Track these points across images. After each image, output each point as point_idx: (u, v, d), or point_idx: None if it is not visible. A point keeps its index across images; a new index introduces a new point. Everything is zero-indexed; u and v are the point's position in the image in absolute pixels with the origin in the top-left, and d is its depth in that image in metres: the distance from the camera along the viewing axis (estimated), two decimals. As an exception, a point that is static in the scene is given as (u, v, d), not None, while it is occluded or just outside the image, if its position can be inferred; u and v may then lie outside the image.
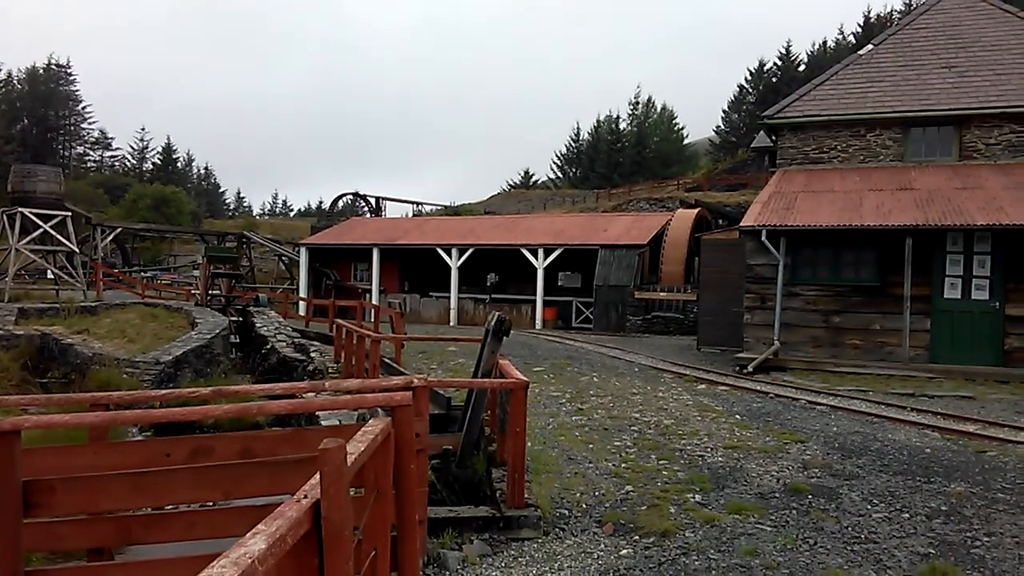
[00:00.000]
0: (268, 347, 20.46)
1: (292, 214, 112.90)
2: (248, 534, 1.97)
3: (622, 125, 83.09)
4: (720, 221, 35.62)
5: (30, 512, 4.41)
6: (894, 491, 7.07)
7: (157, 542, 4.98)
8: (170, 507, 5.05)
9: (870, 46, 19.89)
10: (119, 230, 43.99)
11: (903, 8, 65.49)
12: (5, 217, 26.81)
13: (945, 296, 15.14)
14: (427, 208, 64.49)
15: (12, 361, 17.13)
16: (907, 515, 6.44)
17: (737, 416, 10.67)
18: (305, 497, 2.39)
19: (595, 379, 14.35)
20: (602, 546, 5.90)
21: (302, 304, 31.94)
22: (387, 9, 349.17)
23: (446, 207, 64.20)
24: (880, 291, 15.49)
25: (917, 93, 17.65)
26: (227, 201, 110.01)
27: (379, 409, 6.22)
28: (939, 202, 15.21)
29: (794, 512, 6.54)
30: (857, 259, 15.78)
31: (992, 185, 15.58)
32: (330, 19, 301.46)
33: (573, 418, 10.53)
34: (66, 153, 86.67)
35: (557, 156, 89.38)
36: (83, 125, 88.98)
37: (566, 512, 6.59)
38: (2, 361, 16.92)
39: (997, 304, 14.75)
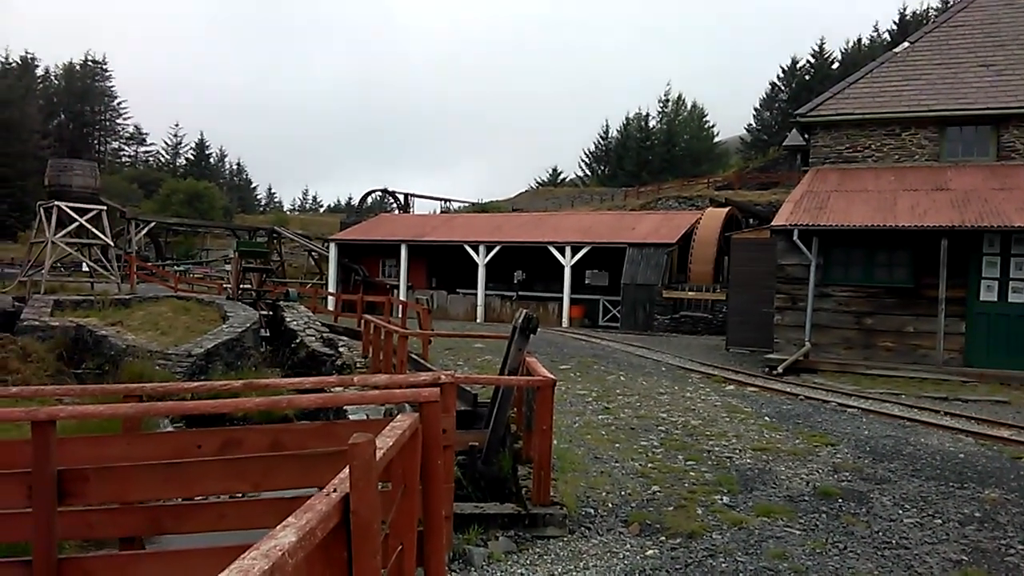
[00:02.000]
0: (297, 341, 20.66)
1: (322, 210, 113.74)
2: (278, 527, 1.99)
3: (652, 123, 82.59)
4: (751, 220, 35.25)
5: (64, 500, 4.49)
6: (926, 496, 6.96)
7: (187, 532, 5.05)
8: (200, 498, 5.11)
9: (906, 44, 19.55)
10: (153, 224, 44.68)
11: (940, 6, 64.32)
12: (42, 210, 27.35)
13: (981, 298, 14.86)
14: (455, 205, 64.62)
15: (48, 352, 17.45)
16: (939, 521, 6.34)
17: (766, 418, 10.57)
18: (335, 491, 2.40)
19: (622, 378, 14.29)
20: (628, 546, 5.88)
21: (331, 299, 32.19)
22: (422, 5, 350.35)
23: (474, 204, 64.30)
24: (914, 293, 15.24)
25: (954, 92, 17.33)
26: (258, 197, 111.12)
27: (407, 405, 6.25)
28: (976, 203, 14.93)
29: (824, 516, 6.46)
30: (890, 260, 15.54)
31: (1031, 186, 15.26)
32: (365, 16, 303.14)
33: (599, 417, 10.50)
34: (101, 148, 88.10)
35: (585, 154, 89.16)
36: (118, 121, 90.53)
37: (592, 511, 6.57)
38: (38, 352, 17.23)
39: (1035, 307, 14.45)
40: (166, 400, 5.77)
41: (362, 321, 20.64)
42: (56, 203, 26.62)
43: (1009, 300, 14.67)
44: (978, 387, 13.55)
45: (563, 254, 30.22)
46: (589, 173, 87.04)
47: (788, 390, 13.05)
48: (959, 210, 14.74)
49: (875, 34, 72.90)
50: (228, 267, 35.76)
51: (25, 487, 4.45)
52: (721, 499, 6.86)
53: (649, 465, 7.96)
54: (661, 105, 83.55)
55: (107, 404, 5.68)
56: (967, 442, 9.29)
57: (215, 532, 4.90)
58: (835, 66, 69.42)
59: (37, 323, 18.80)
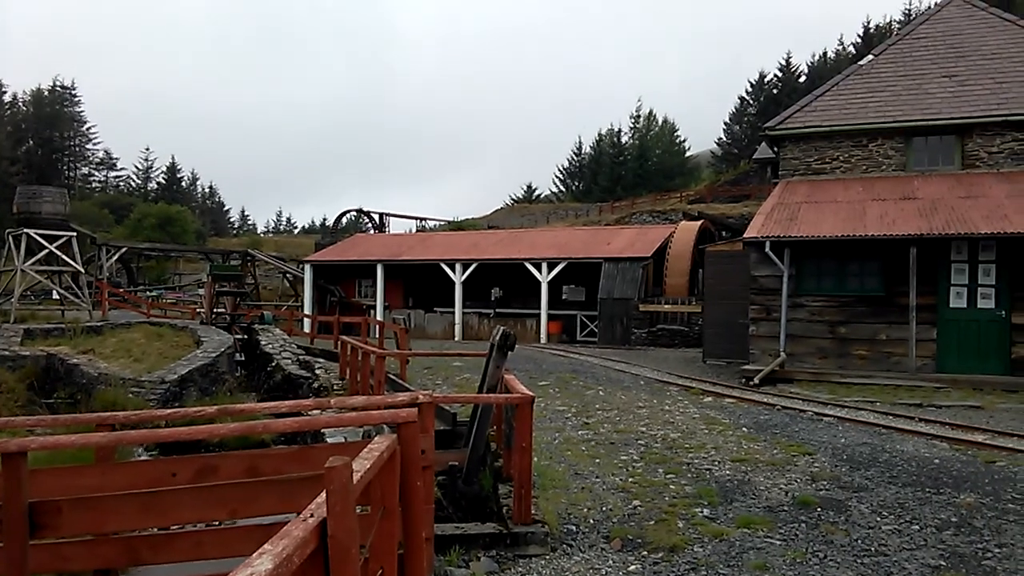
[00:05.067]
0: (273, 365, 20.46)
1: (296, 231, 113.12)
2: (255, 554, 1.97)
3: (624, 138, 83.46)
4: (723, 233, 35.63)
5: (37, 533, 4.40)
6: (903, 503, 7.03)
7: (164, 562, 4.98)
8: (176, 527, 5.05)
9: (870, 56, 19.94)
10: (124, 249, 44.17)
11: (902, 18, 65.76)
12: (11, 238, 26.98)
13: (951, 305, 15.10)
14: (430, 224, 64.67)
15: (18, 382, 17.15)
16: (917, 527, 6.40)
17: (744, 429, 10.63)
18: (312, 516, 2.38)
19: (601, 393, 14.31)
20: (610, 562, 5.87)
21: (307, 321, 31.96)
22: (394, 30, 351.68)
23: (449, 222, 64.40)
24: (885, 301, 15.45)
25: (918, 102, 17.67)
26: (231, 219, 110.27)
27: (385, 426, 6.20)
28: (943, 211, 15.20)
29: (803, 525, 6.50)
30: (862, 269, 15.75)
31: (995, 193, 15.57)
32: (335, 38, 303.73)
33: (579, 432, 10.50)
34: (71, 174, 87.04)
35: (559, 170, 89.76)
36: (88, 146, 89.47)
37: (573, 528, 6.56)
38: (8, 382, 16.93)
39: (1003, 312, 14.70)
40: (140, 428, 5.69)
41: (339, 342, 20.51)
42: (25, 230, 26.28)
43: (978, 306, 14.91)
44: (951, 393, 13.73)
45: (539, 270, 30.29)
46: (563, 189, 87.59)
47: (765, 400, 13.14)
48: (927, 218, 14.99)
49: (840, 47, 74.31)
50: (201, 291, 35.41)
51: (-5, 521, 4.36)
52: (702, 511, 6.88)
53: (630, 480, 7.96)
54: (633, 121, 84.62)
55: (79, 434, 5.58)
56: (942, 447, 9.40)
57: (192, 561, 4.83)
58: (802, 79, 70.66)
59: (7, 353, 18.49)
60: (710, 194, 56.79)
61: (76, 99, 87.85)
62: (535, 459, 7.32)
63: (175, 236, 58.82)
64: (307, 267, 36.98)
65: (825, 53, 74.97)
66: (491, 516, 6.85)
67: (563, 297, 32.11)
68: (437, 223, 64.96)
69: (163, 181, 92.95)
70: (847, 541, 6.10)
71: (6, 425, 7.23)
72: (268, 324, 26.32)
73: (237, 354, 22.20)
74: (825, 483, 7.72)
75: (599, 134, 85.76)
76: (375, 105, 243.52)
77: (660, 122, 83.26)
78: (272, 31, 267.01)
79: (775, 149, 19.22)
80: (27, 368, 17.80)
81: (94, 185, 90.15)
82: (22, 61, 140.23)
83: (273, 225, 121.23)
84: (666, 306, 28.01)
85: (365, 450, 3.25)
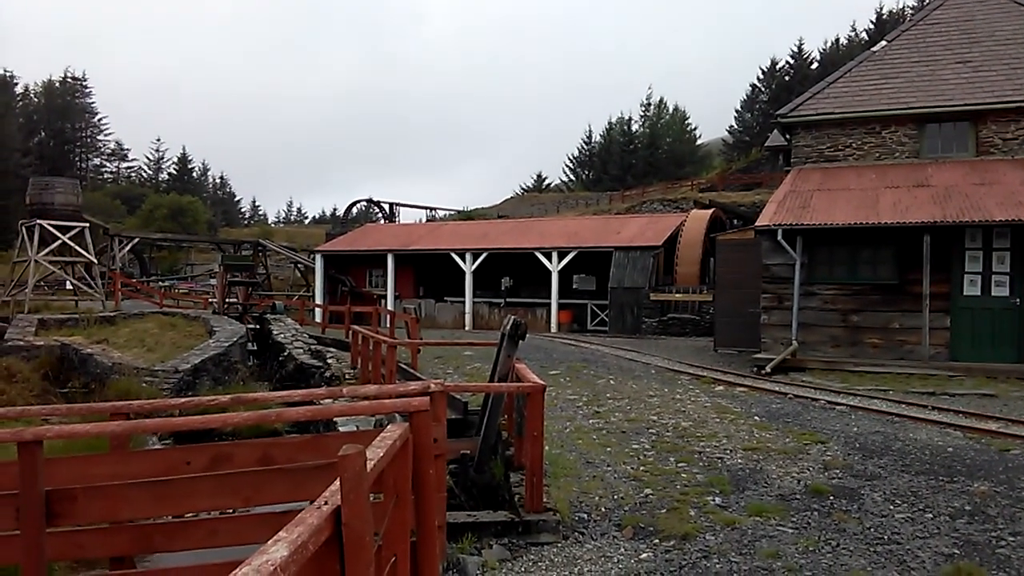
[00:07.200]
0: (285, 354, 20.57)
1: (307, 221, 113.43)
2: (270, 541, 1.98)
3: (634, 126, 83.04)
4: (735, 221, 35.46)
5: (53, 521, 4.45)
6: (917, 491, 7.00)
7: (178, 550, 5.02)
8: (191, 515, 5.08)
9: (883, 42, 19.74)
10: (136, 240, 44.42)
11: (916, 4, 65.03)
12: (24, 229, 27.17)
13: (965, 293, 14.99)
14: (441, 213, 64.71)
15: (33, 372, 17.30)
16: (930, 515, 6.37)
17: (756, 417, 10.60)
18: (326, 503, 2.39)
19: (612, 382, 14.30)
20: (622, 550, 5.87)
21: (318, 311, 32.07)
22: (406, 19, 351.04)
23: (460, 212, 64.38)
24: (899, 289, 15.35)
25: (932, 89, 17.49)
26: (242, 210, 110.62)
27: (397, 415, 6.22)
28: (957, 198, 15.06)
29: (815, 514, 6.48)
30: (875, 257, 15.65)
31: (1010, 180, 15.42)
32: (347, 28, 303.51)
33: (590, 421, 10.50)
34: (83, 165, 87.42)
35: (570, 159, 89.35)
36: (99, 137, 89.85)
37: (585, 516, 6.56)
38: (23, 372, 17.08)
39: (1018, 300, 14.58)
40: (154, 417, 5.72)
41: (350, 332, 20.58)
42: (38, 221, 26.45)
43: (992, 294, 14.80)
44: (964, 381, 13.64)
45: (550, 259, 30.26)
46: (574, 178, 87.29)
47: (777, 389, 13.10)
48: (940, 206, 14.86)
49: (853, 33, 73.62)
50: (213, 281, 35.56)
51: (12, 509, 4.40)
52: (713, 500, 6.87)
53: (641, 468, 7.96)
54: (643, 109, 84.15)
55: (94, 423, 5.62)
56: (955, 436, 9.35)
57: (206, 549, 4.86)
58: (814, 66, 70.07)
59: (21, 343, 18.67)
60: (722, 182, 56.50)
61: (87, 90, 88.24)
62: (546, 448, 7.33)
63: (187, 226, 59.12)
64: (318, 257, 37.11)
65: (837, 40, 74.29)
66: (503, 504, 6.86)
67: (573, 286, 32.10)
68: (447, 213, 64.98)
69: (174, 172, 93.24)
70: (860, 529, 6.09)
71: (22, 414, 7.29)
72: (280, 314, 26.40)
73: (249, 344, 22.33)
74: (838, 471, 7.70)
75: (609, 123, 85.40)
76: (386, 95, 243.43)
77: (671, 110, 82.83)
78: (284, 21, 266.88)
79: (787, 136, 19.08)
80: (42, 358, 17.96)
81: (106, 176, 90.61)
82: (33, 53, 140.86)
83: (284, 215, 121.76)
84: (677, 295, 27.95)
85: (378, 439, 3.25)
